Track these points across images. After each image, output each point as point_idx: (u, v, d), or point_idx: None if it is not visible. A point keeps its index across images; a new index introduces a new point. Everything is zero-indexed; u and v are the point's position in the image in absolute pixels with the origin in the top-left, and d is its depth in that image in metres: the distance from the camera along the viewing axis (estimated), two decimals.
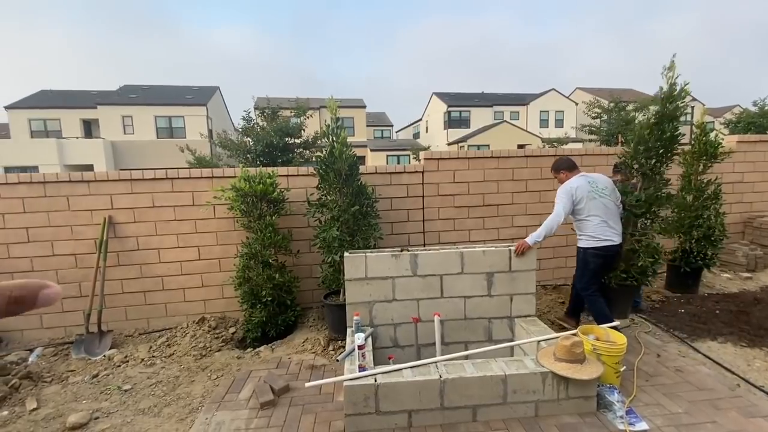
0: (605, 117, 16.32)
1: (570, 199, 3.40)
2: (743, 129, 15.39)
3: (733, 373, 3.02)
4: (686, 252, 4.48)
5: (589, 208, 3.41)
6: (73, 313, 4.13)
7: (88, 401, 3.03)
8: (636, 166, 3.72)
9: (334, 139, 3.76)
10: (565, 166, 3.59)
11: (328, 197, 3.88)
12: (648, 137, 3.56)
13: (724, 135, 5.37)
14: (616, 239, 3.46)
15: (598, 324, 3.31)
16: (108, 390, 3.16)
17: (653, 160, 3.62)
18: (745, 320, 3.81)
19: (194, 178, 4.24)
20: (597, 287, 3.53)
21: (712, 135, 4.53)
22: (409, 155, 29.12)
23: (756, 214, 5.64)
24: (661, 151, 3.58)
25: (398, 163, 28.89)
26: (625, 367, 2.82)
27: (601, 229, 3.41)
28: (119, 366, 3.55)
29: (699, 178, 4.51)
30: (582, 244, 3.53)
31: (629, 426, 2.41)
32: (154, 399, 3.02)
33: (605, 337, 2.88)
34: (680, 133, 3.55)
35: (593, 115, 16.65)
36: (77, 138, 23.29)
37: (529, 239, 3.30)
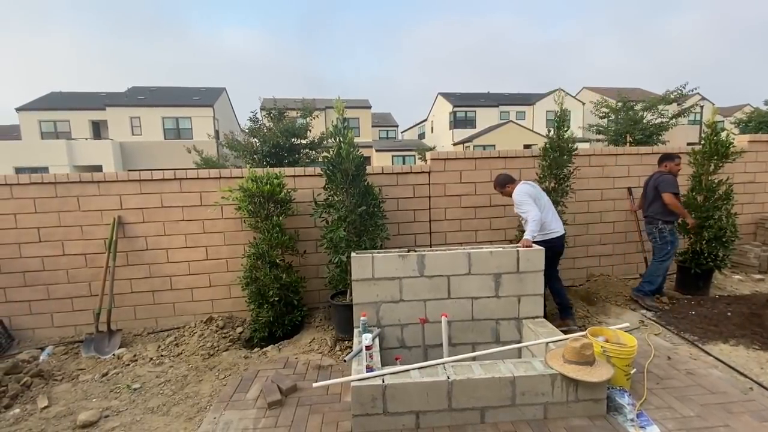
0: (613, 117, 16.17)
1: (531, 197, 3.71)
2: (754, 128, 15.18)
3: (746, 376, 2.97)
4: (697, 253, 4.42)
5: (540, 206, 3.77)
6: (83, 312, 4.17)
7: (98, 399, 3.06)
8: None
9: (341, 139, 3.77)
10: (509, 180, 3.98)
11: (335, 198, 3.88)
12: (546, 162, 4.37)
13: (735, 134, 5.30)
14: (560, 230, 3.85)
15: (560, 307, 3.92)
16: (117, 389, 3.19)
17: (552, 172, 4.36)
18: (758, 323, 3.75)
19: (202, 178, 4.27)
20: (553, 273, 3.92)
21: (723, 135, 4.46)
22: (414, 156, 29.08)
23: None
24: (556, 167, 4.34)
25: (404, 163, 28.90)
26: (635, 369, 2.80)
27: (546, 224, 3.74)
28: (128, 365, 3.58)
29: (710, 178, 4.45)
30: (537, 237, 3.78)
31: (640, 429, 2.38)
32: (162, 398, 3.04)
33: (615, 339, 2.85)
34: (568, 161, 4.31)
35: (601, 114, 16.50)
36: (86, 139, 23.59)
37: (528, 235, 3.52)
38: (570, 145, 4.31)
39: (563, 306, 3.95)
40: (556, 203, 4.15)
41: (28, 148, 20.92)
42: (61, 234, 4.09)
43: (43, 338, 4.16)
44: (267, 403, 2.78)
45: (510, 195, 3.90)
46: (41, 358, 3.77)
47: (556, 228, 3.81)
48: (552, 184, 4.33)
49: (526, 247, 3.41)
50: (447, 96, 35.45)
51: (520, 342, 3.35)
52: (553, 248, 3.75)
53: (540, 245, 3.55)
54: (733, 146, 4.44)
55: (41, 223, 4.06)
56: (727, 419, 2.48)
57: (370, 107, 33.47)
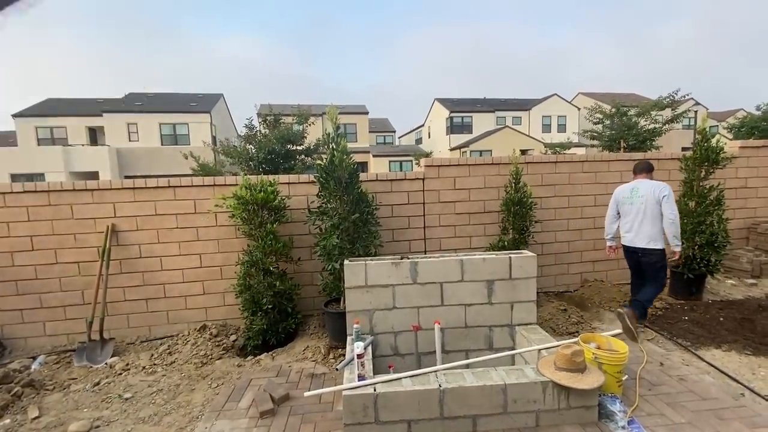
0: (607, 122, 16.30)
1: (615, 201, 4.04)
2: (746, 133, 15.31)
3: (738, 381, 2.98)
4: (689, 258, 4.44)
5: (623, 211, 3.97)
6: (75, 321, 4.15)
7: (89, 409, 3.04)
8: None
9: (334, 147, 3.79)
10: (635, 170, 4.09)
11: (329, 205, 3.89)
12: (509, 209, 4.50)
13: (728, 139, 5.36)
14: (633, 243, 3.85)
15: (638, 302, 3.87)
16: (109, 398, 3.17)
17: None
18: (750, 328, 3.77)
19: (196, 186, 4.27)
20: (634, 279, 4.11)
21: (714, 140, 4.51)
22: (411, 161, 29.17)
23: (760, 219, 5.60)
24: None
25: (401, 168, 28.95)
26: (627, 376, 2.80)
27: (622, 230, 3.96)
28: (120, 374, 3.56)
29: (701, 184, 4.48)
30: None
31: None
32: (154, 407, 3.02)
33: (607, 346, 2.85)
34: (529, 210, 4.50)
35: (595, 120, 16.64)
36: (83, 145, 23.54)
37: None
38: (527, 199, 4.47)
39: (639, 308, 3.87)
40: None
41: (25, 154, 20.87)
42: (54, 242, 4.08)
43: (35, 347, 4.13)
44: (259, 412, 2.77)
45: None
46: (33, 367, 3.74)
47: (627, 238, 3.89)
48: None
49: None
50: (444, 101, 35.63)
51: (513, 349, 3.35)
52: (628, 255, 3.97)
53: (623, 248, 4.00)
54: (724, 152, 4.48)
55: (34, 232, 4.05)
56: (718, 426, 2.48)
57: (367, 113, 33.60)
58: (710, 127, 4.63)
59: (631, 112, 15.79)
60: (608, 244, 4.15)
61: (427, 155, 26.10)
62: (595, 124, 16.85)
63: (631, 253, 3.95)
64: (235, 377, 3.38)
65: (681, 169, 4.66)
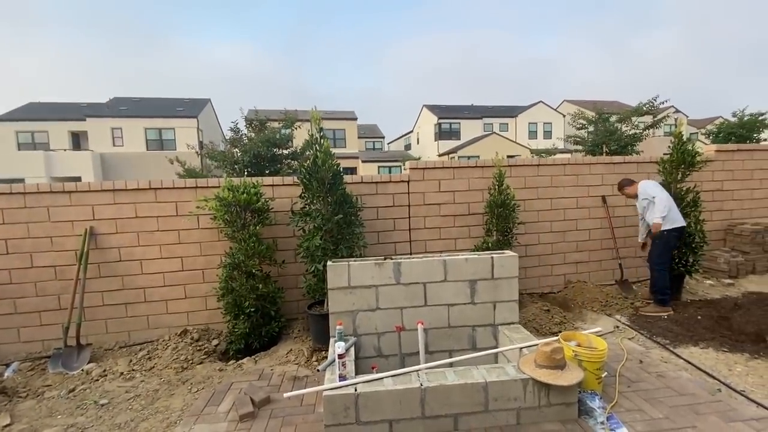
0: (590, 128, 16.62)
1: (659, 187, 4.30)
2: (723, 139, 15.76)
3: (714, 378, 3.04)
4: None
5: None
6: (51, 327, 4.04)
7: (63, 416, 2.95)
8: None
9: (317, 148, 3.79)
10: (627, 182, 4.60)
11: (312, 206, 3.88)
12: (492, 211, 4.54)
13: (706, 143, 5.50)
14: (683, 222, 4.32)
15: (653, 294, 4.36)
16: (84, 405, 3.08)
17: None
18: (727, 326, 3.86)
19: (178, 188, 4.22)
20: (669, 264, 4.38)
21: (690, 144, 4.62)
22: (400, 166, 29.26)
23: (736, 221, 5.75)
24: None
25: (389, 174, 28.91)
26: (606, 373, 2.83)
27: (673, 215, 4.22)
28: (97, 380, 3.46)
29: (678, 186, 4.59)
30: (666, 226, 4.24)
31: None
32: (131, 413, 2.94)
33: (587, 343, 2.88)
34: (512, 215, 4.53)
35: (578, 126, 16.98)
36: (65, 150, 23.10)
37: (657, 217, 4.16)
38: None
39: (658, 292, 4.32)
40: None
41: (4, 159, 20.39)
42: (30, 246, 3.97)
43: (9, 354, 4.00)
44: (239, 415, 2.72)
45: (633, 195, 4.51)
46: (6, 374, 3.63)
47: (680, 219, 4.27)
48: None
49: (655, 230, 4.20)
50: (432, 108, 35.96)
51: (496, 348, 3.36)
52: (680, 236, 4.29)
53: (669, 233, 4.19)
54: (699, 155, 4.60)
55: (9, 235, 3.94)
56: (694, 420, 2.52)
57: (356, 119, 33.69)
58: (690, 134, 4.77)
59: (612, 119, 16.13)
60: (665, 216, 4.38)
61: (416, 161, 26.24)
62: (578, 129, 17.18)
63: (682, 232, 4.34)
64: (216, 381, 3.32)
65: (659, 171, 4.77)
